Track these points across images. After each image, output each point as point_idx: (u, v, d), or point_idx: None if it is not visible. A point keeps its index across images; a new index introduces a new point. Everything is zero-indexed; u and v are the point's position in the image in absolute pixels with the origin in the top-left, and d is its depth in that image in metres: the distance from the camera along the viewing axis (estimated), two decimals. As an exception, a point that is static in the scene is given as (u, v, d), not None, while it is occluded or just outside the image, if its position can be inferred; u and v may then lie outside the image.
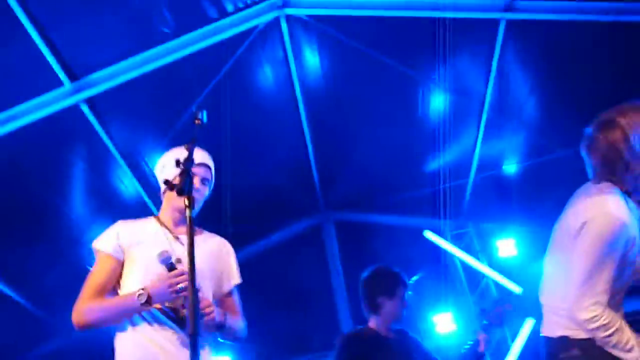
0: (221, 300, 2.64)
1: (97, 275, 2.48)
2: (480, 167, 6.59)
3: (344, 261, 7.66)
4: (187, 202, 1.99)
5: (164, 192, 2.70)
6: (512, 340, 6.86)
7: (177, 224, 2.62)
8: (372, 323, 3.71)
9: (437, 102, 5.93)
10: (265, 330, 6.94)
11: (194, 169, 2.47)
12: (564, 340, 2.40)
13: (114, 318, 2.40)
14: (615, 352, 2.27)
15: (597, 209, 2.33)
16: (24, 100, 4.82)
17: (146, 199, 6.05)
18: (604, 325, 2.25)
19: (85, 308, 2.40)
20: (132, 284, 2.42)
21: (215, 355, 6.47)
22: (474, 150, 6.41)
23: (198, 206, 2.62)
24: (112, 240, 2.51)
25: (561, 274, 2.44)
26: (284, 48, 5.32)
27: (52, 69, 4.64)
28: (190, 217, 1.97)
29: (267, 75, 5.53)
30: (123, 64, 4.90)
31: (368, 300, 3.74)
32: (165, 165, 2.65)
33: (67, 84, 4.81)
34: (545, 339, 2.52)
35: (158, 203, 6.48)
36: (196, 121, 2.25)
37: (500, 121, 5.94)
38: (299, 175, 6.98)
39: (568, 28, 4.94)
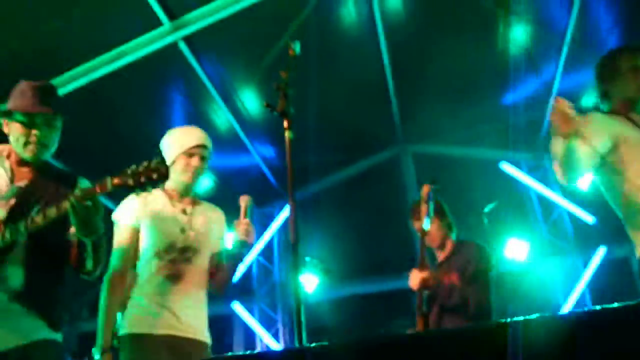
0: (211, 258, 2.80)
1: (123, 246, 2.61)
2: (559, 100, 6.14)
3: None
4: (286, 125, 2.17)
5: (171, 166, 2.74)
6: (585, 268, 6.68)
7: (182, 196, 2.77)
8: None
9: (518, 33, 5.59)
10: (346, 252, 6.99)
11: (193, 151, 2.70)
12: None
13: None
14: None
15: None
16: (126, 40, 4.85)
17: (237, 129, 6.04)
18: None
19: (109, 288, 2.52)
20: (147, 251, 2.61)
21: (306, 274, 6.50)
22: (553, 83, 6.03)
23: (196, 181, 2.77)
24: (131, 212, 2.63)
25: None
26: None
27: (152, 9, 4.59)
28: (289, 138, 2.15)
29: (350, 10, 5.33)
30: (218, 2, 4.82)
31: None
32: (171, 145, 2.75)
33: (167, 23, 4.78)
34: None
35: (249, 133, 6.47)
36: (290, 52, 2.30)
37: (581, 54, 5.51)
38: (380, 108, 6.80)
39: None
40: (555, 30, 5.46)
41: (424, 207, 3.33)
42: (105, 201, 5.58)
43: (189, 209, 2.76)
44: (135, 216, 2.62)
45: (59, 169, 2.52)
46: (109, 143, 5.44)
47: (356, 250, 7.07)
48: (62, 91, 4.83)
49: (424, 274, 3.23)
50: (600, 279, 6.52)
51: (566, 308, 6.42)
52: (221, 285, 2.77)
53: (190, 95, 5.51)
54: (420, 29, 5.64)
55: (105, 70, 4.90)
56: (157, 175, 2.04)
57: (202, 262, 2.71)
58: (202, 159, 2.75)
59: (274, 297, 7.28)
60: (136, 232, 2.62)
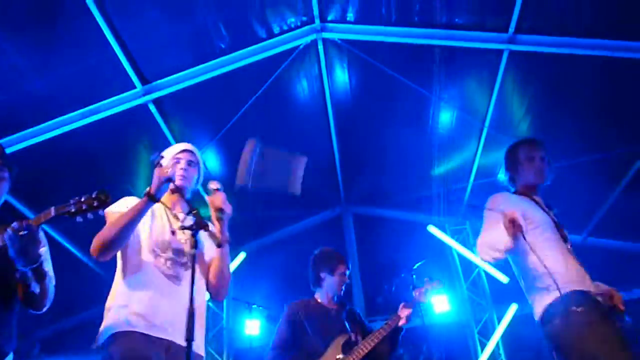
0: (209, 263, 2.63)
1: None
2: (479, 174, 6.56)
3: (360, 248, 7.67)
4: (191, 243, 2.11)
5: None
6: (498, 322, 6.87)
7: (174, 203, 2.67)
8: (317, 295, 3.68)
9: (445, 117, 5.95)
10: (288, 299, 6.99)
11: (179, 155, 2.66)
12: None
13: (126, 226, 2.29)
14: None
15: None
16: (101, 99, 4.92)
17: (199, 186, 6.05)
18: None
19: (100, 233, 2.30)
20: (139, 249, 2.42)
21: (250, 319, 6.43)
22: (474, 160, 6.39)
23: (186, 184, 2.64)
24: (124, 208, 2.45)
25: None
26: (319, 66, 5.40)
27: (127, 73, 4.75)
28: (193, 255, 2.07)
29: (303, 87, 5.60)
30: (186, 72, 5.00)
31: (313, 274, 3.70)
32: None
33: (139, 86, 4.92)
34: None
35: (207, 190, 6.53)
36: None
37: (498, 136, 5.87)
38: (326, 174, 7.03)
39: (563, 61, 4.80)
40: (476, 115, 5.78)
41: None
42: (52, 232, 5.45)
43: (180, 215, 2.62)
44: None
45: None
46: (76, 191, 5.39)
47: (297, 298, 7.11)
48: (37, 140, 4.81)
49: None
50: (512, 332, 6.68)
51: (483, 357, 6.61)
52: (219, 290, 2.53)
53: (157, 151, 5.54)
54: (363, 109, 5.92)
55: (79, 123, 4.89)
56: (97, 203, 2.02)
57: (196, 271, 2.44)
58: (189, 163, 2.66)
59: (221, 342, 7.17)
60: None
